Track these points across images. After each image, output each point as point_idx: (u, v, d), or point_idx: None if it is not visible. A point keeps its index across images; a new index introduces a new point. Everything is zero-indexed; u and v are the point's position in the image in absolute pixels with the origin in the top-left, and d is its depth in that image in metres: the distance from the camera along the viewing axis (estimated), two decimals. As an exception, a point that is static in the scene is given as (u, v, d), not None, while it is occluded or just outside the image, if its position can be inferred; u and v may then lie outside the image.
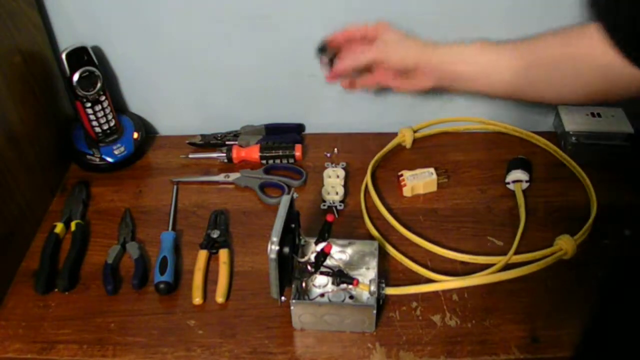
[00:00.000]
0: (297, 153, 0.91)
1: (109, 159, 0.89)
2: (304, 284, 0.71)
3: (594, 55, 0.59)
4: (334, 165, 0.90)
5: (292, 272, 0.68)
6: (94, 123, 0.87)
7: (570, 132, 0.90)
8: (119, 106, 0.96)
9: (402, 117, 0.97)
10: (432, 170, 0.86)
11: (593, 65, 0.61)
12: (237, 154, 0.92)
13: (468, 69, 0.71)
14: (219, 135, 0.95)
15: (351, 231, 0.80)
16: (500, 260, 0.73)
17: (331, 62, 0.79)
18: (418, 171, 0.86)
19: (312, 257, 0.68)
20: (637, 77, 0.56)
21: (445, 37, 0.72)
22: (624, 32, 0.56)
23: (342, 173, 0.88)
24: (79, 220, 0.81)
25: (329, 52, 0.79)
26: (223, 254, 0.76)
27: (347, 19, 0.87)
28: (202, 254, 0.76)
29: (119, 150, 0.90)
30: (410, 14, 0.83)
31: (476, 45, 0.70)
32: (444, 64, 0.72)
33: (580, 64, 0.62)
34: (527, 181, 0.85)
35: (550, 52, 0.65)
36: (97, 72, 0.84)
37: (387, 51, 0.74)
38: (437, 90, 0.95)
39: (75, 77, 0.82)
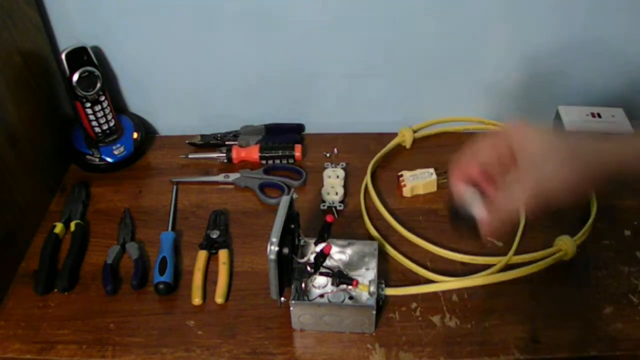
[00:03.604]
0: (297, 153, 0.91)
1: (109, 159, 0.89)
2: (303, 285, 0.71)
3: None
4: (333, 165, 0.90)
5: (291, 272, 0.68)
6: (94, 123, 0.87)
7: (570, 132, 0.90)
8: (119, 106, 0.96)
9: (402, 117, 0.97)
10: (432, 170, 0.86)
11: None
12: (237, 154, 0.92)
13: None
14: (219, 135, 0.95)
15: (351, 232, 0.80)
16: (500, 261, 0.73)
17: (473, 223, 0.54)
18: (418, 171, 0.86)
19: (312, 257, 0.68)
20: None
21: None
22: None
23: (342, 173, 0.88)
24: (78, 221, 0.81)
25: (467, 211, 0.54)
26: (223, 254, 0.76)
27: (347, 19, 0.87)
28: (202, 255, 0.76)
29: (118, 150, 0.90)
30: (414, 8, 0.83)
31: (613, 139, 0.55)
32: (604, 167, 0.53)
33: None
34: (527, 181, 0.84)
35: None
36: (97, 72, 0.84)
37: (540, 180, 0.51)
38: (437, 90, 0.95)
39: (75, 77, 0.82)
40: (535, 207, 0.51)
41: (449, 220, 0.57)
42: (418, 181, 0.85)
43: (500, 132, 0.55)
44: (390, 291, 0.69)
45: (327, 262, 0.69)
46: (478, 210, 0.53)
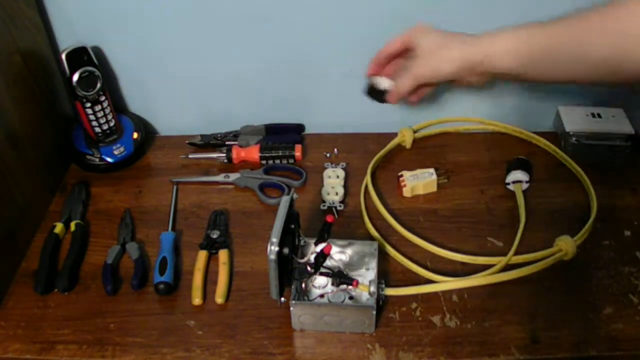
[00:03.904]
0: (297, 153, 0.91)
1: (109, 159, 0.89)
2: (303, 285, 0.71)
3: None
4: (333, 165, 0.90)
5: (291, 272, 0.68)
6: (94, 123, 0.87)
7: (570, 133, 0.90)
8: (119, 106, 0.96)
9: (402, 117, 0.97)
10: (432, 170, 0.86)
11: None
12: (237, 154, 0.92)
13: (521, 62, 0.67)
14: (219, 136, 0.95)
15: (351, 232, 0.80)
16: (500, 261, 0.73)
17: (382, 94, 0.80)
18: (418, 171, 0.86)
19: (312, 257, 0.67)
20: None
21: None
22: None
23: (342, 173, 0.88)
24: (78, 221, 0.81)
25: (378, 86, 0.80)
26: (223, 254, 0.76)
27: (346, 19, 0.87)
28: (202, 255, 0.76)
29: (118, 150, 0.90)
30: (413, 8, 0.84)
31: (519, 33, 0.67)
32: (497, 62, 0.68)
33: (632, 38, 0.59)
34: (527, 182, 0.84)
35: (597, 32, 0.62)
36: (97, 72, 0.84)
37: (430, 66, 0.72)
38: (437, 91, 0.95)
39: (75, 77, 0.82)
40: (425, 75, 0.74)
41: (366, 93, 0.82)
42: (418, 181, 0.85)
43: (404, 33, 0.76)
44: (390, 291, 0.69)
45: (327, 262, 0.69)
46: (386, 85, 0.79)
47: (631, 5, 0.59)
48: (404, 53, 0.77)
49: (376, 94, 0.81)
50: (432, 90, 0.82)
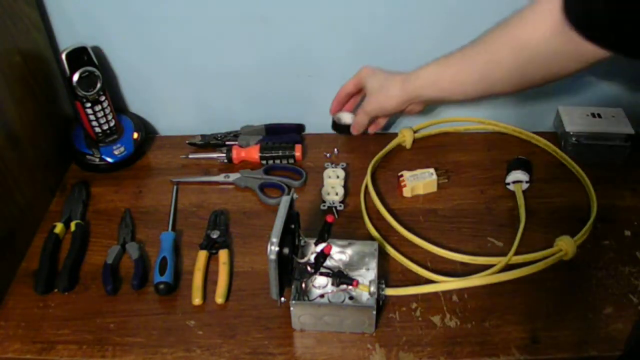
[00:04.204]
0: (297, 153, 0.91)
1: (109, 159, 0.89)
2: (303, 285, 0.71)
3: (542, 37, 0.63)
4: (334, 165, 0.90)
5: (291, 272, 0.68)
6: (94, 123, 0.87)
7: (570, 133, 0.90)
8: (119, 106, 0.96)
9: (402, 117, 0.97)
10: (432, 170, 0.86)
11: (542, 49, 0.65)
12: (237, 154, 0.92)
13: (443, 90, 0.78)
14: (219, 136, 0.95)
15: (351, 232, 0.80)
16: (500, 261, 0.73)
17: (346, 128, 0.93)
18: (418, 171, 0.86)
19: (312, 257, 0.68)
20: (586, 51, 0.60)
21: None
22: (578, 9, 0.59)
23: (342, 173, 0.88)
24: (78, 221, 0.81)
25: (340, 121, 0.93)
26: (223, 254, 0.76)
27: (346, 19, 0.87)
28: (202, 255, 0.76)
29: (118, 150, 0.90)
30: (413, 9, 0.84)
31: (439, 64, 0.77)
32: (425, 93, 0.80)
33: (529, 51, 0.66)
34: (527, 182, 0.84)
35: (499, 49, 0.69)
36: (97, 72, 0.84)
37: (377, 103, 0.85)
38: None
39: (75, 77, 0.82)
40: (376, 117, 0.90)
41: (332, 128, 0.95)
42: (418, 181, 0.85)
43: (355, 76, 0.88)
44: (390, 291, 0.69)
45: (327, 262, 0.69)
46: (348, 119, 0.93)
47: (528, 16, 0.66)
48: (359, 92, 0.90)
49: (341, 128, 0.93)
50: (386, 121, 0.94)
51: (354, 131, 0.91)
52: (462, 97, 0.78)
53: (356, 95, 0.92)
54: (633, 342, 0.65)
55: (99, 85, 0.85)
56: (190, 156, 0.93)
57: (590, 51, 0.59)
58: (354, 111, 0.93)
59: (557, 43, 0.62)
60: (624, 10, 0.54)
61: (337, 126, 0.93)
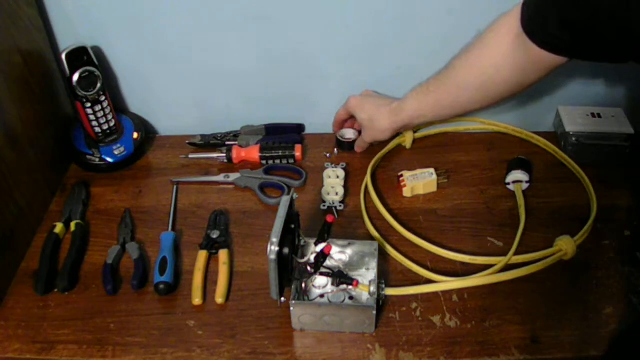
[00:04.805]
0: (297, 153, 0.91)
1: (109, 159, 0.89)
2: (303, 285, 0.71)
3: (503, 55, 0.70)
4: (334, 165, 0.90)
5: (291, 272, 0.68)
6: (94, 123, 0.87)
7: (571, 133, 0.90)
8: (119, 106, 0.96)
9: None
10: (432, 170, 0.86)
11: (503, 65, 0.71)
12: (237, 154, 0.92)
13: (427, 117, 0.84)
14: (219, 136, 0.95)
15: (351, 232, 0.80)
16: (500, 261, 0.73)
17: (349, 144, 0.95)
18: (418, 171, 0.86)
19: (312, 257, 0.68)
20: (544, 59, 0.67)
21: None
22: (535, 21, 0.65)
23: (342, 173, 0.88)
24: (78, 221, 0.81)
25: (344, 137, 0.95)
26: (223, 254, 0.76)
27: (346, 19, 0.87)
28: (202, 255, 0.76)
29: (118, 150, 0.90)
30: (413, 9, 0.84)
31: (420, 92, 0.82)
32: (412, 122, 0.86)
33: (492, 69, 0.73)
34: (527, 181, 0.84)
35: (466, 74, 0.76)
36: (97, 72, 0.84)
37: (371, 136, 0.90)
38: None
39: (75, 77, 0.82)
40: (371, 140, 0.91)
41: (337, 145, 0.95)
42: (418, 181, 0.85)
43: (344, 106, 0.91)
44: (390, 291, 0.69)
45: (327, 262, 0.69)
46: (351, 135, 0.95)
47: (490, 38, 0.72)
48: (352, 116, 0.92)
49: (344, 145, 0.94)
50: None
51: (358, 150, 0.94)
52: (445, 118, 0.86)
53: (352, 118, 0.93)
54: (615, 340, 0.66)
55: (99, 85, 0.85)
56: (190, 156, 0.93)
57: (547, 59, 0.66)
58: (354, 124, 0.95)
59: (517, 57, 0.69)
60: (576, 21, 0.60)
61: (341, 143, 0.94)
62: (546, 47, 0.65)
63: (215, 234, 0.79)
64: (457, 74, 0.77)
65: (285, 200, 0.68)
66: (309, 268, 0.68)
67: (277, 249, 0.62)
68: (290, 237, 0.67)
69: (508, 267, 0.73)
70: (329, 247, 0.66)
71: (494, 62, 0.72)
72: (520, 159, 0.87)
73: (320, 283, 0.72)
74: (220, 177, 0.89)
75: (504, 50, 0.70)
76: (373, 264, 0.71)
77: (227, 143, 0.94)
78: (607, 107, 0.93)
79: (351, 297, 0.70)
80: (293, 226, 0.69)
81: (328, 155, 0.94)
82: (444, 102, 0.81)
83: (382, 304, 0.69)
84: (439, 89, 0.80)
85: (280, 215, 0.65)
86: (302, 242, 0.72)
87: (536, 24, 0.65)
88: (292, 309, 0.66)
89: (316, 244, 0.70)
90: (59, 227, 0.80)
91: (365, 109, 0.88)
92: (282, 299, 0.67)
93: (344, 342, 0.67)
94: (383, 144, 0.92)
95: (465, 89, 0.77)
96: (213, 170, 0.91)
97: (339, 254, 0.75)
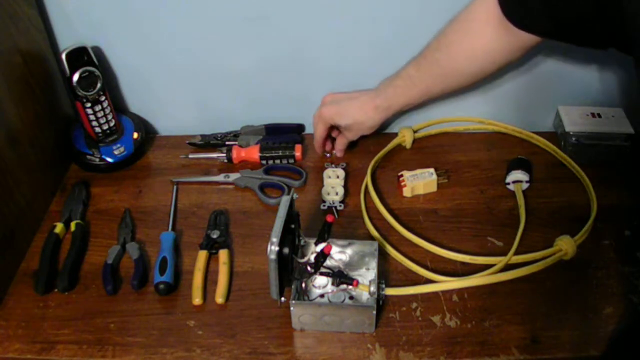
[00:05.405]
0: (297, 153, 0.91)
1: (109, 159, 0.89)
2: (303, 285, 0.71)
3: (489, 39, 0.73)
4: (334, 165, 0.90)
5: (291, 272, 0.68)
6: (94, 123, 0.87)
7: (570, 133, 0.90)
8: (119, 106, 0.96)
9: (402, 117, 0.97)
10: (432, 170, 0.86)
11: (490, 48, 0.75)
12: (237, 154, 0.92)
13: (414, 104, 0.86)
14: (219, 136, 0.95)
15: (351, 232, 0.80)
16: (500, 261, 0.73)
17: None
18: (418, 171, 0.86)
19: (312, 257, 0.68)
20: (527, 40, 0.71)
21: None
22: (514, 4, 0.69)
23: (342, 173, 0.88)
24: (78, 221, 0.81)
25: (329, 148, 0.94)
26: (223, 254, 0.76)
27: (346, 19, 0.87)
28: (202, 255, 0.76)
29: (118, 150, 0.90)
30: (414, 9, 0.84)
31: (400, 88, 0.83)
32: (396, 112, 0.87)
33: (483, 54, 0.76)
34: (527, 181, 0.84)
35: (456, 60, 0.78)
36: (97, 72, 0.84)
37: (357, 133, 0.89)
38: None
39: (75, 77, 0.82)
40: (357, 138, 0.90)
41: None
42: (418, 181, 0.85)
43: (320, 121, 0.88)
44: (390, 291, 0.69)
45: (327, 262, 0.69)
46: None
47: (471, 25, 0.75)
48: (331, 130, 0.91)
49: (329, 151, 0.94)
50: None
51: (340, 155, 0.93)
52: (432, 98, 0.87)
53: (333, 134, 0.93)
54: (614, 340, 0.66)
55: (99, 85, 0.85)
56: (190, 156, 0.93)
57: (526, 39, 0.71)
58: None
59: (503, 40, 0.73)
60: (556, 3, 0.63)
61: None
62: (528, 29, 0.69)
63: (215, 234, 0.79)
64: (444, 65, 0.79)
65: (285, 200, 0.68)
66: (309, 268, 0.68)
67: (277, 248, 0.62)
68: (290, 237, 0.67)
69: (508, 267, 0.73)
70: (329, 247, 0.66)
71: (484, 48, 0.75)
72: (520, 159, 0.87)
73: (320, 283, 0.72)
74: (220, 177, 0.89)
75: (489, 36, 0.73)
76: (373, 264, 0.71)
77: (227, 143, 0.94)
78: (607, 107, 0.93)
79: (351, 297, 0.70)
80: (293, 226, 0.69)
81: (328, 155, 0.94)
82: (433, 90, 0.83)
83: (382, 303, 0.69)
84: (426, 80, 0.81)
85: (280, 215, 0.65)
86: (302, 242, 0.72)
87: (515, 7, 0.69)
88: (292, 308, 0.66)
89: (316, 244, 0.70)
90: (59, 227, 0.80)
91: (348, 114, 0.86)
92: (282, 298, 0.67)
93: (344, 342, 0.67)
94: (383, 144, 0.92)
95: (453, 76, 0.80)
96: (213, 170, 0.91)
97: (339, 254, 0.75)
